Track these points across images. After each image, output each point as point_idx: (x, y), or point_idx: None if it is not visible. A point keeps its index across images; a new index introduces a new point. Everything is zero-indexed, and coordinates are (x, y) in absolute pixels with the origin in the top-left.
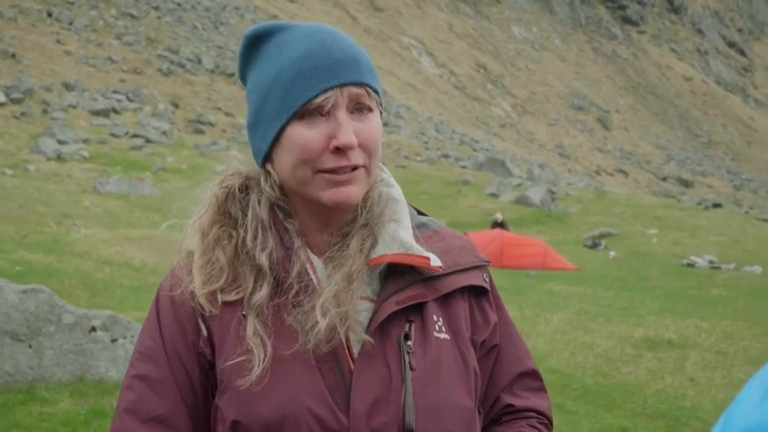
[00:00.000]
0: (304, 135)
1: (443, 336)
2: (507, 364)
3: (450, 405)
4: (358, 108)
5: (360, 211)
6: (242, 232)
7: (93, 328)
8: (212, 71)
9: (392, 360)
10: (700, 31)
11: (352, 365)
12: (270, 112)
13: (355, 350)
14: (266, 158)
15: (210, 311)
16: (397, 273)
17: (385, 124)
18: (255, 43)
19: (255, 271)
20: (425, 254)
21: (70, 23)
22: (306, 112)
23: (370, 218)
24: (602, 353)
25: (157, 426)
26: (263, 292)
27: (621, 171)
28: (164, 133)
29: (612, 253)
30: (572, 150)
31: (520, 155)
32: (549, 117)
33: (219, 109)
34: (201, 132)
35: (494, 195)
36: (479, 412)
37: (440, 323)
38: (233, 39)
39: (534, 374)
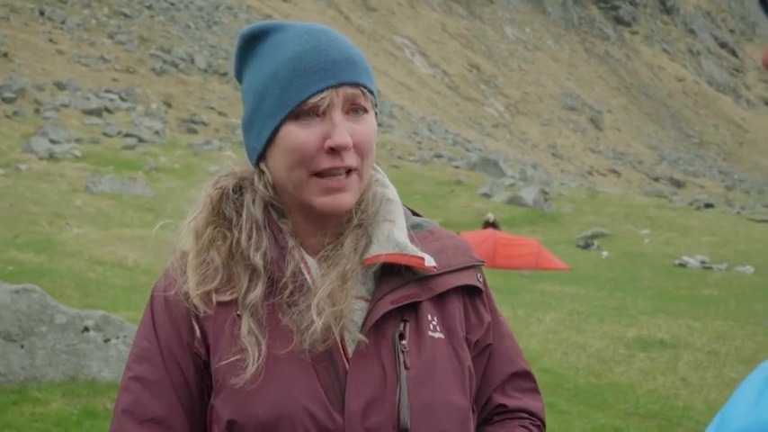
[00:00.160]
0: (299, 135)
1: (438, 335)
2: (500, 365)
3: (445, 404)
4: (353, 109)
5: (354, 211)
6: (236, 233)
7: (86, 329)
8: (205, 70)
9: (387, 359)
10: (692, 32)
11: (346, 365)
12: (265, 111)
13: (350, 349)
14: (260, 158)
15: (205, 312)
16: (391, 273)
17: (378, 124)
18: (252, 42)
19: (250, 271)
20: (420, 254)
21: (62, 22)
22: (301, 112)
23: (364, 218)
24: (594, 353)
25: (154, 427)
26: (258, 292)
27: (614, 171)
28: (156, 133)
29: (605, 253)
30: (565, 150)
31: (513, 155)
32: (541, 117)
33: (212, 108)
34: (194, 132)
35: (487, 195)
36: (474, 411)
37: (434, 322)
38: (226, 38)
39: (527, 375)
